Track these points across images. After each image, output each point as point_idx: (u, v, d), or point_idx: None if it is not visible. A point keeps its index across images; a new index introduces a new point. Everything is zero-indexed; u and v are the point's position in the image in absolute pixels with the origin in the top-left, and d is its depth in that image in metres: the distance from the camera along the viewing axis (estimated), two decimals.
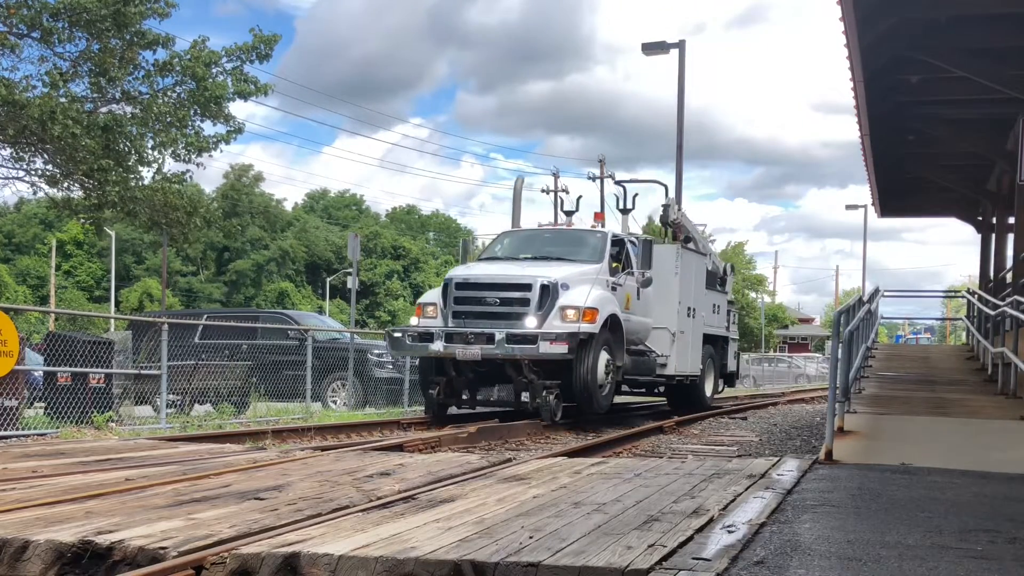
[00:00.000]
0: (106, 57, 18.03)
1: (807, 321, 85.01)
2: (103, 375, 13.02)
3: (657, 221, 21.34)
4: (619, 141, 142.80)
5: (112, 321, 24.29)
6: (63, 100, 17.45)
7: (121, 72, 18.31)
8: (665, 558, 3.89)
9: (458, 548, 4.06)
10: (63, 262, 72.92)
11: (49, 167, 19.05)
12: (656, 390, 18.47)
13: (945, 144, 18.60)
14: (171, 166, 20.00)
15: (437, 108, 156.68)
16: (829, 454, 7.51)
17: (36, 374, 13.31)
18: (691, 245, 17.98)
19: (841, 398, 8.56)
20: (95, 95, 18.80)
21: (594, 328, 13.37)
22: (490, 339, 13.17)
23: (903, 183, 22.32)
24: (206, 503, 5.30)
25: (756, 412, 20.40)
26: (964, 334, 28.05)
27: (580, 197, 18.41)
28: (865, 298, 14.57)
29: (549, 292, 13.52)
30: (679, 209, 18.41)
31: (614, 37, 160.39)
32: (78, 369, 12.39)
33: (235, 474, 6.62)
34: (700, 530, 4.51)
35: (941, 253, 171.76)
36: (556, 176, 52.44)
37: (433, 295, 14.64)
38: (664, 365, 16.03)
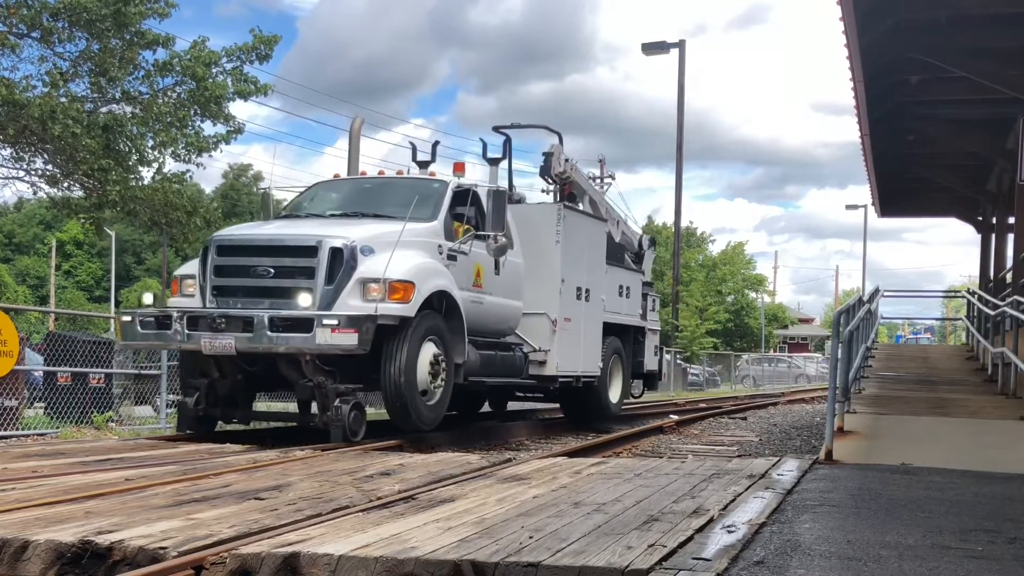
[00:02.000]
0: (106, 57, 18.02)
1: (807, 321, 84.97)
2: (103, 375, 13.03)
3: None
4: (619, 141, 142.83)
5: (112, 321, 24.29)
6: (63, 100, 17.45)
7: (121, 72, 18.31)
8: (665, 558, 3.90)
9: (458, 548, 4.06)
10: (63, 262, 72.94)
11: (49, 167, 19.04)
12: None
13: (945, 144, 18.59)
14: (171, 166, 20.01)
15: (438, 108, 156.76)
16: (829, 454, 7.51)
17: (36, 374, 13.32)
18: (584, 207, 14.40)
19: (841, 398, 8.56)
20: (95, 95, 18.79)
21: (407, 309, 9.43)
22: (248, 324, 9.20)
23: (903, 183, 22.31)
24: (206, 503, 5.30)
25: (756, 412, 20.41)
26: (964, 334, 28.06)
27: (437, 143, 13.75)
28: (865, 298, 14.57)
29: (343, 259, 9.53)
30: (567, 159, 14.00)
31: (615, 38, 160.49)
32: (78, 369, 12.40)
33: (235, 474, 6.62)
34: (700, 530, 4.51)
35: (941, 253, 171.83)
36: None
37: (194, 265, 10.33)
38: (543, 363, 12.36)
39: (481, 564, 3.81)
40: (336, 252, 9.53)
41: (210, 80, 18.95)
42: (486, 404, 15.75)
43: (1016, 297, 12.93)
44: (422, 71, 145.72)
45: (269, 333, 9.11)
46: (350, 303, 9.38)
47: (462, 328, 10.47)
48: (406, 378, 9.52)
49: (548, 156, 13.83)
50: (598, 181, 44.68)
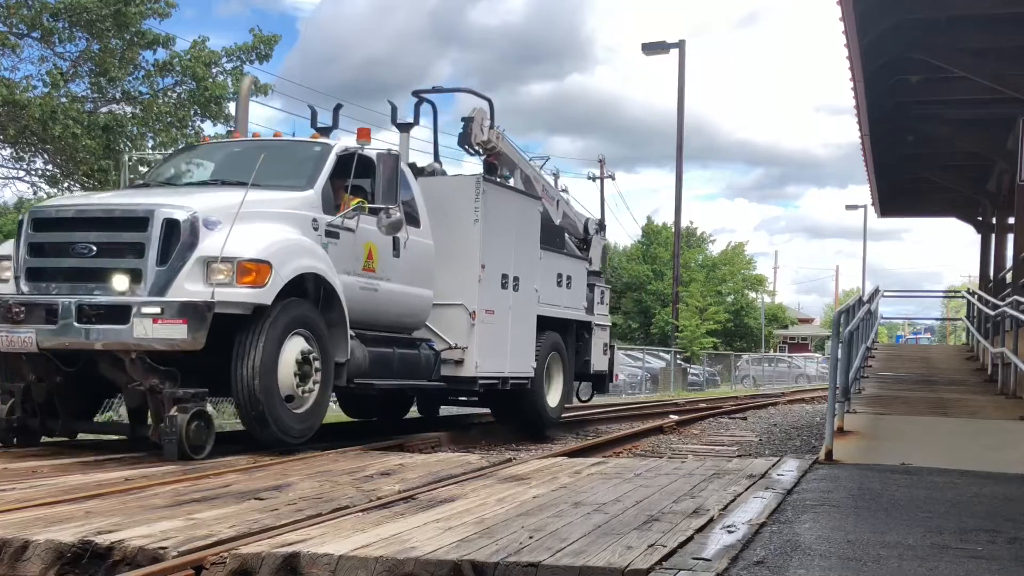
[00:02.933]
0: (106, 57, 18.02)
1: (807, 321, 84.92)
2: None
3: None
4: (620, 142, 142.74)
5: None
6: (63, 100, 17.46)
7: (121, 72, 18.30)
8: (665, 558, 3.90)
9: (458, 548, 4.06)
10: None
11: (49, 167, 19.05)
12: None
13: (945, 144, 18.60)
14: None
15: (439, 109, 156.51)
16: (829, 454, 7.51)
17: None
18: (516, 183, 12.63)
19: (841, 398, 8.56)
20: (95, 95, 18.79)
21: (260, 295, 7.75)
22: (51, 314, 7.59)
23: (903, 183, 22.32)
24: (206, 503, 5.31)
25: (756, 412, 20.41)
26: (964, 334, 28.06)
27: (339, 106, 11.76)
28: (865, 298, 14.58)
29: (180, 233, 7.74)
30: (493, 126, 12.13)
31: (615, 38, 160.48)
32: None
33: (235, 474, 6.62)
34: (700, 530, 4.51)
35: (941, 253, 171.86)
36: (556, 176, 52.63)
37: (10, 245, 8.45)
38: (460, 363, 10.65)
39: (481, 564, 3.81)
40: (172, 225, 7.72)
41: (210, 80, 18.95)
42: (414, 409, 13.99)
43: (1016, 297, 12.94)
44: (423, 71, 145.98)
45: (77, 325, 7.48)
46: (188, 288, 7.63)
47: (343, 320, 8.70)
48: (262, 381, 7.75)
49: (468, 122, 11.95)
50: (598, 180, 44.60)
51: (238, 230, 7.75)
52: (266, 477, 6.46)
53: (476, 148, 12.12)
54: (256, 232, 7.97)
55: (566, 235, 13.84)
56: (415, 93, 12.01)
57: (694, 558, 3.91)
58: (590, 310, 13.93)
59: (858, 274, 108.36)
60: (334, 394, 10.14)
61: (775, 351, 62.08)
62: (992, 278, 20.53)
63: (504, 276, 11.31)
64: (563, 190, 14.79)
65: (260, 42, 19.48)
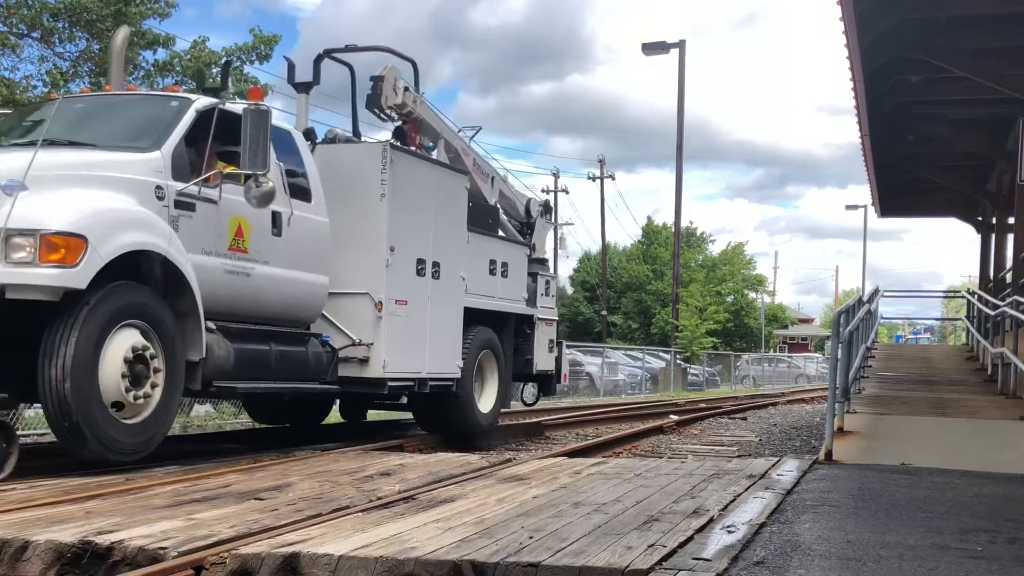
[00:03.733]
0: (106, 57, 18.03)
1: (807, 321, 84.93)
2: None
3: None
4: (620, 142, 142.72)
5: None
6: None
7: None
8: (665, 558, 3.90)
9: (458, 548, 4.06)
10: None
11: None
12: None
13: (945, 144, 18.60)
14: None
15: (439, 109, 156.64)
16: (829, 454, 7.51)
17: None
18: (439, 155, 10.97)
19: (841, 398, 8.56)
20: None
21: (72, 277, 6.37)
22: None
23: (903, 183, 22.32)
24: (206, 503, 5.31)
25: (756, 412, 20.41)
26: (964, 334, 28.06)
27: (229, 63, 9.63)
28: (865, 298, 14.58)
29: None
30: (408, 89, 10.43)
31: (615, 39, 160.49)
32: None
33: (235, 474, 6.62)
34: (700, 530, 4.51)
35: (941, 253, 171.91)
36: (556, 176, 52.69)
37: None
38: (364, 361, 9.21)
39: (481, 564, 3.82)
40: None
41: (210, 80, 18.96)
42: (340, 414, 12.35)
43: (1016, 297, 12.94)
44: (423, 72, 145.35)
45: None
46: None
47: (196, 309, 7.26)
48: (75, 384, 6.32)
49: (377, 81, 10.05)
50: (598, 180, 44.63)
51: (47, 196, 6.42)
52: (266, 477, 6.46)
53: (388, 113, 10.31)
54: (71, 199, 6.55)
55: (505, 217, 12.54)
56: (324, 53, 10.59)
57: (694, 558, 3.91)
58: (532, 302, 12.35)
59: (858, 274, 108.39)
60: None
61: (775, 351, 62.09)
62: (992, 278, 20.53)
63: (420, 261, 9.79)
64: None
65: (260, 42, 19.49)
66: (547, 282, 13.04)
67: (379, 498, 5.54)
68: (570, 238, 69.75)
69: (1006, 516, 5.21)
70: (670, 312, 40.92)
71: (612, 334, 52.87)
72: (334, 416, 12.43)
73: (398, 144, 9.96)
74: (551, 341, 12.96)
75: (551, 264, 15.20)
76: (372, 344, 9.24)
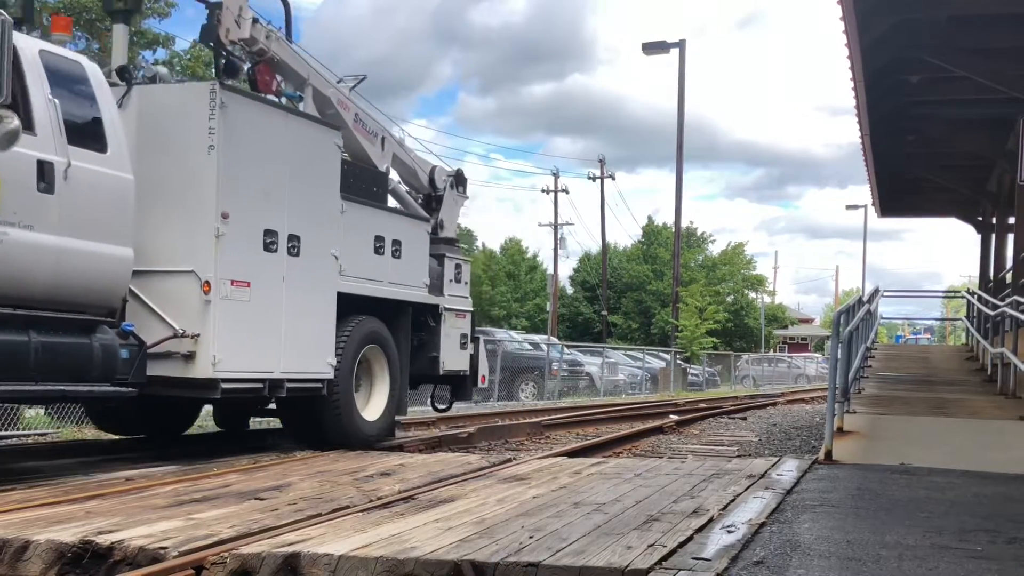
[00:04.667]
0: (106, 57, 18.05)
1: (807, 321, 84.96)
2: None
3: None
4: (621, 142, 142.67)
5: None
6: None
7: None
8: (665, 558, 3.90)
9: (458, 548, 4.06)
10: None
11: None
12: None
13: (945, 144, 18.59)
14: None
15: (440, 109, 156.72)
16: (829, 454, 7.51)
17: None
18: (307, 107, 9.04)
19: (841, 398, 8.57)
20: None
21: None
22: None
23: (903, 183, 22.32)
24: (206, 503, 5.31)
25: (756, 412, 20.41)
26: (964, 334, 28.07)
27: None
28: (865, 298, 14.58)
29: None
30: (258, 21, 8.52)
31: (616, 39, 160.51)
32: None
33: (235, 474, 6.63)
34: (700, 530, 4.52)
35: (941, 253, 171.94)
36: (556, 176, 52.69)
37: None
38: (189, 357, 7.38)
39: (481, 564, 3.82)
40: None
41: (210, 80, 18.99)
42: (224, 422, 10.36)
43: (1016, 297, 12.94)
44: (424, 72, 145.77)
45: None
46: None
47: None
48: None
49: (214, 8, 8.14)
50: (598, 180, 44.46)
51: None
52: (266, 477, 6.47)
53: (230, 49, 8.30)
54: None
55: (404, 188, 10.73)
56: None
57: (694, 558, 3.91)
58: (438, 289, 10.42)
59: (858, 274, 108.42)
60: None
61: (775, 351, 62.10)
62: (992, 278, 20.53)
63: (271, 234, 7.96)
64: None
65: None
66: (458, 266, 10.95)
67: (379, 498, 5.54)
68: (570, 238, 69.73)
69: (1006, 516, 5.21)
70: (670, 312, 40.89)
71: (612, 334, 52.87)
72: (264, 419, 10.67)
73: (231, 84, 8.00)
74: (463, 336, 10.89)
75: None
76: (199, 336, 7.31)
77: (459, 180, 11.54)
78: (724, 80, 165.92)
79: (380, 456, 8.08)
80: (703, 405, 20.81)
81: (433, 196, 11.06)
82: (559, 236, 51.85)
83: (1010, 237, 17.08)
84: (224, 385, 7.45)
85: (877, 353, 18.64)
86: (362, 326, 9.14)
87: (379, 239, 9.46)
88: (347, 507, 5.22)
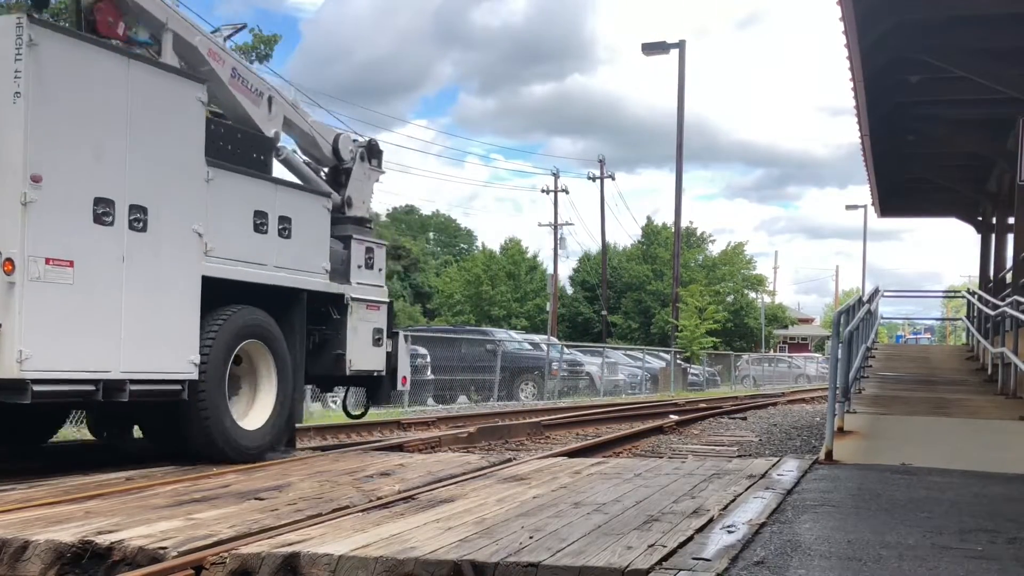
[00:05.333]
0: None
1: (807, 321, 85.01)
2: None
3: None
4: (621, 142, 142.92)
5: None
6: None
7: None
8: (665, 558, 3.90)
9: (458, 548, 4.06)
10: None
11: None
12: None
13: (945, 144, 18.60)
14: None
15: (440, 110, 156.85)
16: (829, 454, 7.51)
17: None
18: (165, 56, 7.58)
19: (841, 398, 8.56)
20: None
21: None
22: None
23: (903, 183, 22.33)
24: (206, 503, 5.31)
25: (756, 412, 20.41)
26: (964, 334, 28.07)
27: None
28: (865, 298, 14.58)
29: None
30: None
31: (616, 40, 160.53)
32: None
33: (235, 474, 6.62)
34: (700, 530, 4.51)
35: (941, 253, 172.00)
36: (556, 176, 52.69)
37: None
38: None
39: (481, 564, 3.81)
40: None
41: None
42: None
43: (1016, 297, 12.94)
44: (425, 72, 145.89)
45: None
46: None
47: None
48: None
49: None
50: (598, 180, 44.39)
51: None
52: (266, 477, 6.46)
53: None
54: None
55: (301, 158, 9.43)
56: None
57: (694, 558, 3.91)
58: (343, 276, 9.05)
59: (858, 274, 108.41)
60: None
61: (775, 351, 62.13)
62: (992, 278, 20.54)
63: (104, 203, 6.62)
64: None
65: (260, 42, 19.50)
66: (369, 250, 9.48)
67: (379, 498, 5.54)
68: (570, 238, 69.74)
69: (1006, 516, 5.21)
70: (670, 312, 40.90)
71: (612, 334, 52.88)
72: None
73: (42, 19, 6.79)
74: (378, 331, 9.41)
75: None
76: (0, 327, 6.08)
77: (372, 152, 9.99)
78: (724, 80, 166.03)
79: (380, 456, 8.08)
80: (703, 405, 20.82)
81: (341, 169, 9.58)
82: (559, 236, 51.90)
83: (1010, 237, 17.07)
84: (36, 387, 6.11)
85: (877, 353, 18.64)
86: (238, 318, 7.66)
87: (261, 215, 7.96)
88: (347, 507, 5.21)
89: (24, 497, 5.45)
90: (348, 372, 9.01)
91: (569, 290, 62.75)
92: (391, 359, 9.63)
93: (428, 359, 20.52)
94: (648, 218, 65.44)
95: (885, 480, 6.48)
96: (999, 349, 13.60)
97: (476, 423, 13.63)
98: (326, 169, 9.58)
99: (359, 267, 9.29)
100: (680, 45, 36.28)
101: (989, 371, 15.18)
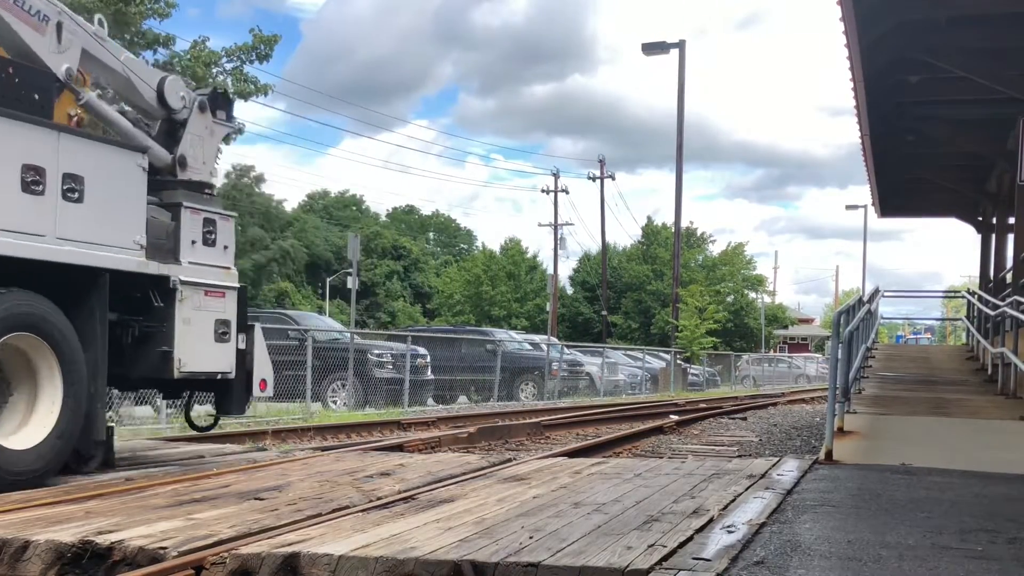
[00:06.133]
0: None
1: (807, 321, 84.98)
2: None
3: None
4: (621, 142, 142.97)
5: None
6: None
7: None
8: (665, 558, 3.90)
9: (458, 548, 4.06)
10: None
11: None
12: None
13: (945, 144, 18.60)
14: None
15: (440, 110, 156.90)
16: (829, 454, 7.51)
17: None
18: None
19: (841, 398, 8.56)
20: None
21: None
22: None
23: (903, 183, 22.33)
24: (206, 503, 5.31)
25: (756, 412, 20.41)
26: (964, 334, 28.06)
27: None
28: (865, 298, 14.58)
29: None
30: None
31: (616, 40, 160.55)
32: None
33: (235, 474, 6.62)
34: (700, 530, 4.51)
35: (941, 253, 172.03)
36: (556, 176, 52.67)
37: None
38: None
39: (481, 564, 3.81)
40: None
41: (210, 80, 18.98)
42: None
43: (1016, 297, 12.94)
44: (425, 72, 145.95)
45: None
46: None
47: None
48: None
49: None
50: (598, 180, 44.44)
51: None
52: (266, 477, 6.46)
53: None
54: None
55: (109, 106, 7.58)
56: None
57: (694, 558, 3.91)
58: (169, 253, 7.25)
59: (858, 274, 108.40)
60: None
61: (775, 351, 62.12)
62: (992, 278, 20.54)
63: None
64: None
65: (260, 42, 19.52)
66: (209, 223, 7.57)
67: (379, 498, 5.54)
68: (570, 238, 69.76)
69: (1006, 516, 5.21)
70: (670, 312, 40.91)
71: (612, 334, 52.87)
72: None
73: None
74: (223, 323, 7.55)
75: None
76: None
77: (217, 101, 8.20)
78: (724, 80, 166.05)
79: (380, 456, 8.08)
80: (703, 405, 20.82)
81: (169, 120, 7.80)
82: (559, 236, 51.91)
83: (1010, 237, 17.08)
84: None
85: (877, 353, 18.64)
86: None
87: (33, 171, 6.22)
88: (347, 507, 5.21)
89: (24, 497, 5.45)
90: (177, 375, 7.17)
91: (569, 290, 62.76)
92: (244, 358, 7.78)
93: (428, 359, 20.53)
94: (648, 218, 65.47)
95: (885, 480, 6.48)
96: (999, 349, 13.59)
97: (476, 423, 13.63)
98: (159, 122, 7.83)
99: (193, 243, 7.39)
100: (680, 45, 36.31)
101: (989, 371, 15.18)
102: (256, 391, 7.95)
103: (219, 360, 7.51)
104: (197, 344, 7.29)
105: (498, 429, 12.89)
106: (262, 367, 7.98)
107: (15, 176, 6.12)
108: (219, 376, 7.53)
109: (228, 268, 7.70)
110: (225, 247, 7.68)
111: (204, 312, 7.41)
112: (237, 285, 7.75)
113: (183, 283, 7.22)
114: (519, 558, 3.85)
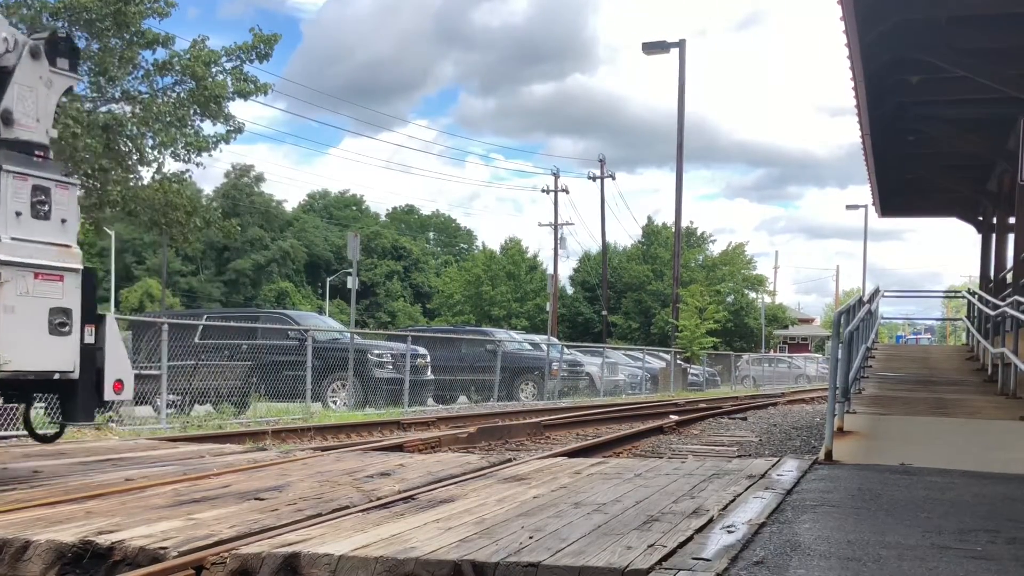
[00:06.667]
0: (106, 57, 18.05)
1: (807, 321, 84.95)
2: None
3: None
4: (621, 142, 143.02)
5: None
6: (63, 99, 17.47)
7: (121, 72, 18.34)
8: (665, 558, 3.90)
9: (458, 548, 4.06)
10: None
11: None
12: None
13: (945, 144, 18.60)
14: (171, 166, 19.93)
15: (440, 110, 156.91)
16: (829, 454, 7.51)
17: None
18: None
19: (841, 398, 8.56)
20: (95, 95, 18.82)
21: None
22: None
23: (903, 183, 22.33)
24: (206, 503, 5.31)
25: (756, 412, 20.41)
26: (964, 334, 28.06)
27: None
28: (865, 298, 14.58)
29: None
30: None
31: (617, 40, 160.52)
32: None
33: (235, 474, 6.62)
34: (700, 530, 4.51)
35: (942, 253, 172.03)
36: (556, 176, 52.67)
37: None
38: None
39: (481, 564, 3.82)
40: None
41: (210, 79, 18.98)
42: None
43: (1016, 297, 12.94)
44: (425, 72, 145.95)
45: None
46: None
47: None
48: None
49: None
50: (598, 180, 44.54)
51: None
52: (266, 477, 6.46)
53: None
54: None
55: None
56: None
57: (694, 558, 3.91)
58: None
59: (858, 274, 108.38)
60: None
61: (775, 351, 62.10)
62: (992, 278, 20.54)
63: None
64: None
65: (260, 41, 19.50)
66: (41, 191, 6.32)
67: (379, 498, 5.54)
68: (570, 238, 69.71)
69: (1006, 516, 5.21)
70: (670, 312, 40.90)
71: (612, 334, 52.87)
72: None
73: None
74: (61, 312, 6.29)
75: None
76: None
77: (56, 48, 6.71)
78: (724, 80, 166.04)
79: (380, 456, 8.08)
80: (703, 405, 20.82)
81: (2, 69, 6.40)
82: (559, 236, 51.89)
83: (1010, 237, 17.08)
84: None
85: (877, 353, 18.63)
86: None
87: None
88: (347, 507, 5.21)
89: (24, 497, 5.45)
90: None
91: (569, 290, 62.77)
92: (93, 355, 6.49)
93: (428, 359, 20.54)
94: (648, 218, 65.51)
95: (885, 480, 6.48)
96: (999, 349, 13.59)
97: (476, 423, 13.64)
98: None
99: (18, 215, 6.16)
100: (680, 45, 36.31)
101: (989, 371, 15.17)
102: (109, 394, 6.58)
103: (56, 357, 6.24)
104: (23, 337, 6.04)
105: (498, 429, 12.89)
106: (116, 365, 6.62)
107: None
108: (57, 376, 6.27)
109: (68, 246, 6.40)
110: (63, 220, 6.39)
111: (34, 299, 6.16)
112: (80, 266, 6.43)
113: (3, 263, 6.01)
114: (519, 558, 3.86)
